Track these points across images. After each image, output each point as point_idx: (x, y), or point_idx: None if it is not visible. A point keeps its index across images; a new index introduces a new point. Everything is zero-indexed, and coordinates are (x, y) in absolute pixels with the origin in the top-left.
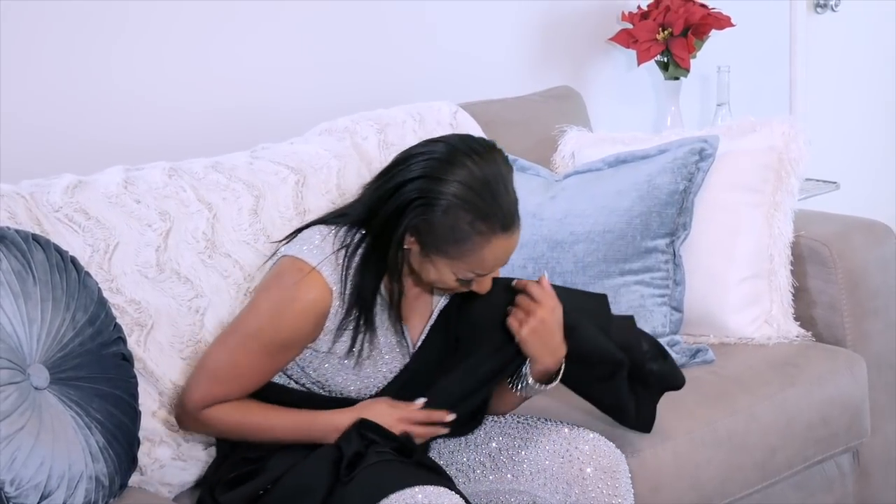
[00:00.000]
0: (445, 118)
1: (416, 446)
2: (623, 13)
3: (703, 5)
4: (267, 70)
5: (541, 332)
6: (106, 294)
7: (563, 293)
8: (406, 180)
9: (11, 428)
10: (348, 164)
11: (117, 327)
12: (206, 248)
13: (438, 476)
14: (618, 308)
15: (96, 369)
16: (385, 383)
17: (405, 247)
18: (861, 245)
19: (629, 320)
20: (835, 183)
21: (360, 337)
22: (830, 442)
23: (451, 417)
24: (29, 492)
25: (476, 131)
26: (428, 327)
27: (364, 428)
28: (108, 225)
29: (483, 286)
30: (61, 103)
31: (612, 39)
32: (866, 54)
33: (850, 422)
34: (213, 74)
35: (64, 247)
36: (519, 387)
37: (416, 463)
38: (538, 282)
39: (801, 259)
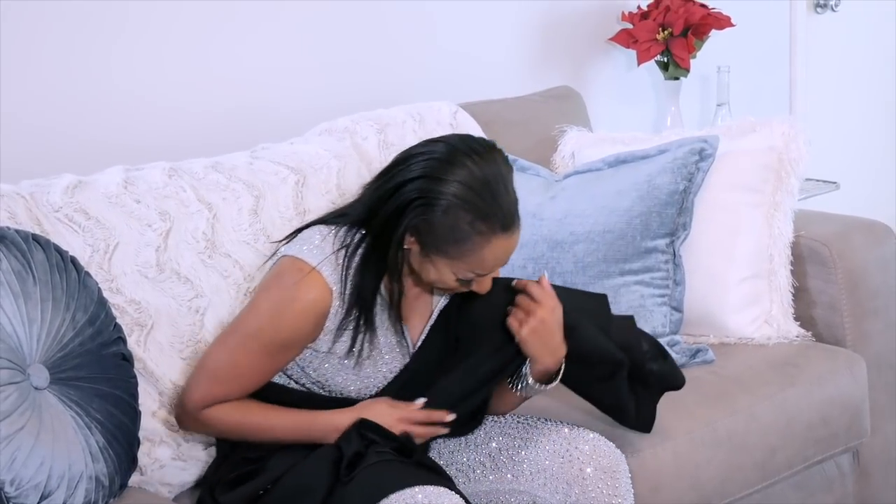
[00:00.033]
0: (445, 118)
1: (416, 446)
2: (623, 13)
3: (703, 5)
4: (267, 70)
5: (541, 331)
6: (106, 294)
7: (563, 293)
8: (406, 180)
9: (11, 428)
10: (348, 164)
11: (117, 327)
12: (206, 248)
13: (438, 476)
14: (618, 308)
15: (96, 369)
16: (385, 383)
17: (405, 247)
18: (861, 245)
19: (629, 320)
20: (835, 183)
21: (360, 337)
22: (830, 442)
23: (451, 417)
24: (29, 492)
25: (476, 131)
26: (428, 327)
27: (364, 428)
28: (108, 225)
29: (483, 286)
30: (61, 103)
31: (612, 39)
32: (866, 54)
33: (849, 422)
34: (213, 74)
35: (64, 247)
36: (519, 387)
37: (416, 463)
38: (538, 282)
39: (801, 259)
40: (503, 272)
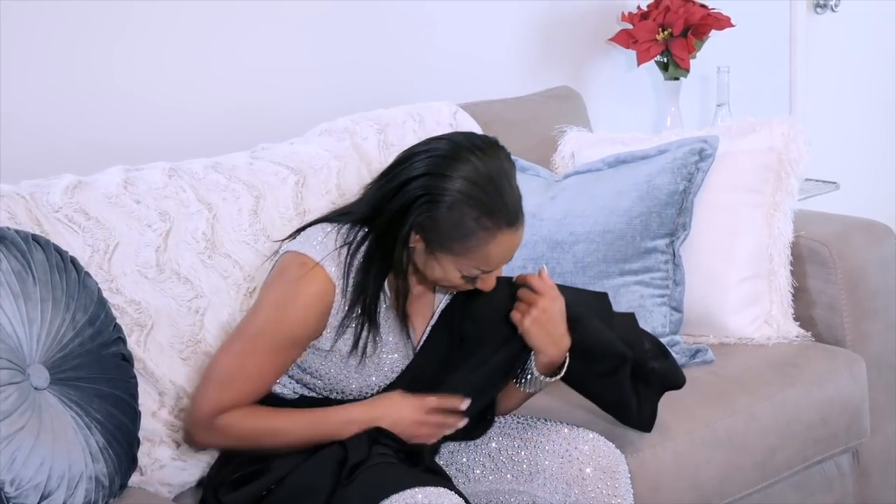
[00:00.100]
0: (445, 118)
1: (424, 454)
2: (623, 13)
3: (702, 5)
4: (267, 70)
5: (543, 321)
6: (106, 294)
7: (564, 290)
8: (410, 178)
9: (11, 428)
10: (348, 164)
11: (117, 327)
12: (206, 248)
13: (438, 477)
14: (617, 308)
15: (96, 369)
16: (387, 382)
17: (410, 245)
18: (861, 245)
19: (630, 317)
20: (834, 183)
21: (363, 335)
22: (830, 442)
23: (465, 405)
24: (29, 492)
25: (476, 131)
26: (429, 327)
27: (377, 434)
28: (107, 225)
29: (487, 284)
30: (61, 103)
31: (611, 40)
32: (866, 54)
33: (849, 422)
34: (213, 74)
35: (64, 247)
36: (522, 381)
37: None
38: (538, 275)
39: (801, 259)
40: (504, 273)
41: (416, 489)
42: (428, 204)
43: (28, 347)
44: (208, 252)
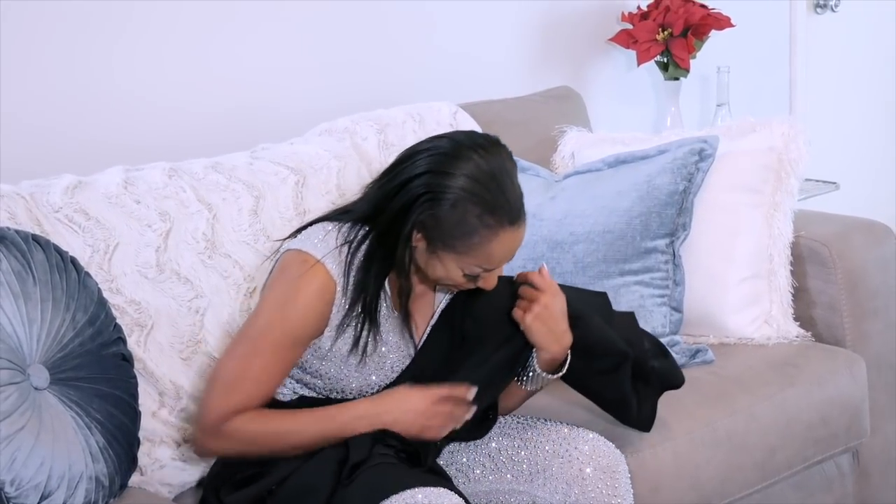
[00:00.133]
0: (445, 118)
1: (429, 453)
2: (623, 14)
3: (702, 5)
4: (267, 70)
5: (545, 317)
6: (106, 294)
7: (564, 290)
8: (412, 176)
9: (11, 428)
10: (348, 164)
11: (117, 328)
12: (206, 248)
13: (438, 477)
14: (617, 308)
15: (96, 370)
16: (387, 382)
17: (412, 244)
18: (861, 245)
19: (630, 316)
20: (834, 183)
21: (363, 334)
22: (830, 442)
23: (472, 393)
24: (29, 492)
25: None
26: (430, 327)
27: (382, 434)
28: (108, 225)
29: (489, 282)
30: (61, 103)
31: (611, 40)
32: (866, 54)
33: (849, 422)
34: (213, 74)
35: (64, 247)
36: (524, 379)
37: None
38: (538, 272)
39: (801, 259)
40: (504, 273)
41: (417, 489)
42: (430, 202)
43: (28, 347)
44: (208, 252)
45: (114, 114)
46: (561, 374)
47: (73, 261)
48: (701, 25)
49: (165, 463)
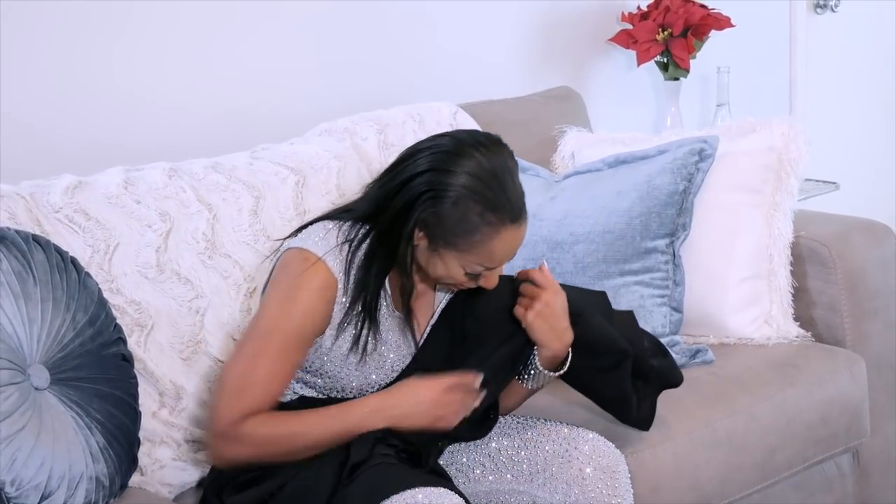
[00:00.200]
0: (445, 119)
1: (430, 454)
2: (623, 14)
3: (702, 6)
4: (267, 70)
5: (546, 314)
6: (106, 294)
7: (565, 288)
8: (414, 174)
9: (12, 428)
10: (348, 164)
11: (117, 328)
12: (206, 248)
13: (439, 477)
14: (617, 308)
15: (96, 370)
16: (388, 381)
17: (413, 242)
18: (861, 245)
19: (629, 315)
20: (834, 183)
21: (363, 333)
22: (830, 442)
23: (478, 381)
24: (29, 492)
25: None
26: (430, 326)
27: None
28: (108, 225)
29: (490, 281)
30: (61, 103)
31: (611, 40)
32: (866, 54)
33: (849, 422)
34: (213, 74)
35: (64, 247)
36: (525, 377)
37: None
38: (539, 269)
39: (801, 259)
40: (504, 272)
41: (417, 489)
42: (432, 200)
43: (28, 348)
44: (208, 252)
45: (114, 114)
46: (562, 371)
47: (74, 261)
48: (701, 25)
49: (166, 463)
